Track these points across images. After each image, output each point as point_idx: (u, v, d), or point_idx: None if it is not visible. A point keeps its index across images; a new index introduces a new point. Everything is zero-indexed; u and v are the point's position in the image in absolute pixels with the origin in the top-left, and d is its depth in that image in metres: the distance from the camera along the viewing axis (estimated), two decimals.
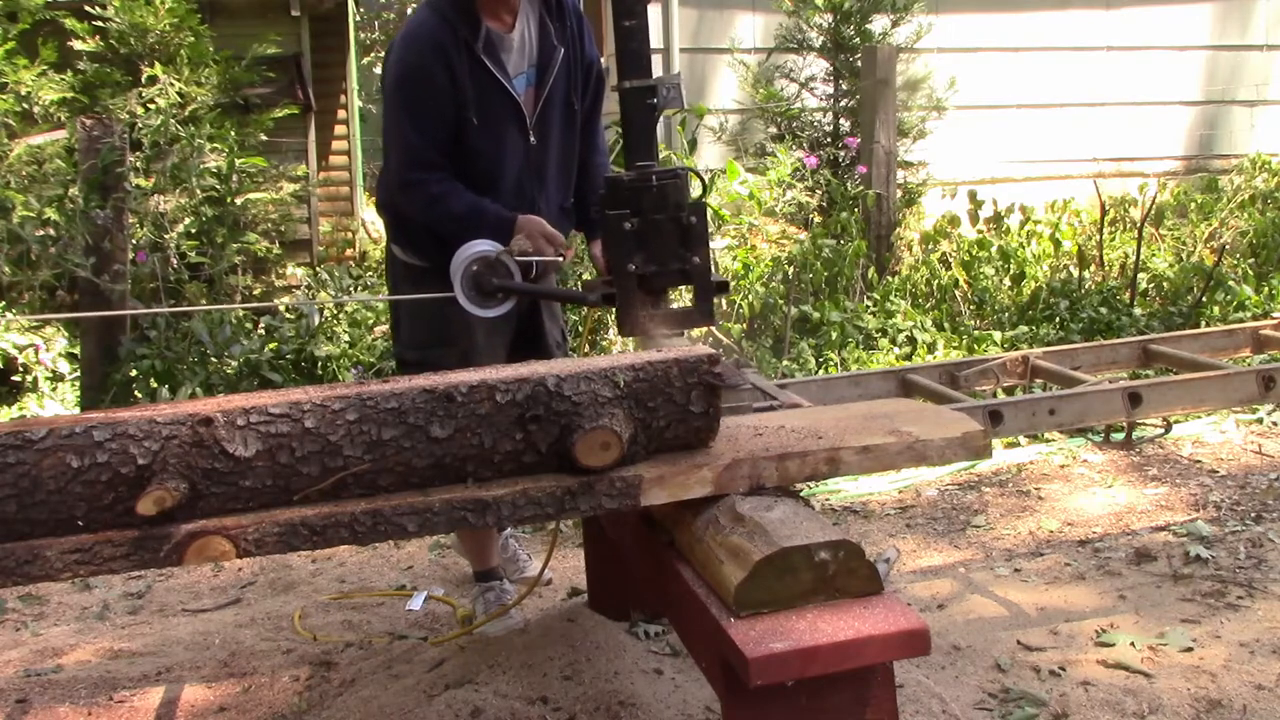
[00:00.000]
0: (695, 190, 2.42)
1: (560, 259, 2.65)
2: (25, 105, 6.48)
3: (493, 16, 2.65)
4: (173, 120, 5.92)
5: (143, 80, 6.64)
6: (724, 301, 5.55)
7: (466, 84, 2.60)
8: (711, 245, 5.47)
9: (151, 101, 6.44)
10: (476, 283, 2.49)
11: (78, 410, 5.14)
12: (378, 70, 12.29)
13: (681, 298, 2.73)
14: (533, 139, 2.72)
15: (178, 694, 2.67)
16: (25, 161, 6.18)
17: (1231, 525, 3.42)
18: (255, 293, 6.48)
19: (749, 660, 1.53)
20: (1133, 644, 2.67)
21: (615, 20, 2.24)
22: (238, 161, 6.18)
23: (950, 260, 6.05)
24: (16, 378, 5.49)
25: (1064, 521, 3.60)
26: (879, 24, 7.10)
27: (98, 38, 6.78)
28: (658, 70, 8.33)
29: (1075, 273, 5.88)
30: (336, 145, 8.77)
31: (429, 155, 2.64)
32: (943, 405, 2.65)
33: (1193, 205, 6.97)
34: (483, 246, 2.51)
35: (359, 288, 7.04)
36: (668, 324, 2.27)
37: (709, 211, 5.24)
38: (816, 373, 4.94)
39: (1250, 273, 6.03)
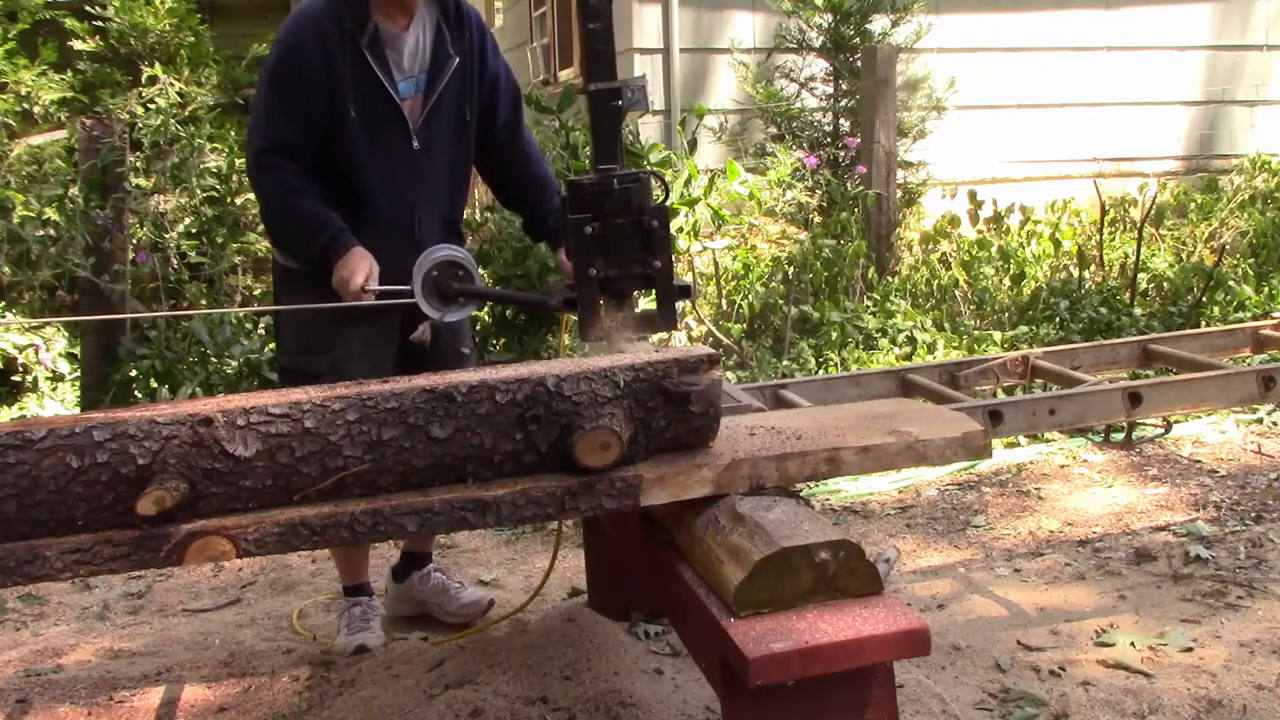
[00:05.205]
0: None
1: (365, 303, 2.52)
2: (25, 105, 6.47)
3: (385, 15, 2.57)
4: (173, 120, 5.90)
5: (143, 80, 6.64)
6: (724, 301, 5.55)
7: (346, 75, 2.52)
8: (713, 246, 5.49)
9: (151, 101, 6.44)
10: (437, 287, 2.49)
11: (78, 410, 5.14)
12: None
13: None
14: (416, 144, 2.63)
15: (178, 694, 2.67)
16: (25, 161, 6.17)
17: (1231, 525, 3.42)
18: (255, 293, 6.46)
19: (749, 660, 1.53)
20: (1133, 644, 2.67)
21: (580, 23, 2.24)
22: (238, 161, 6.16)
23: (950, 260, 6.04)
24: (16, 378, 5.48)
25: (1064, 521, 3.60)
26: (879, 24, 7.09)
27: (98, 38, 6.78)
28: (657, 71, 8.27)
29: (1075, 273, 5.87)
30: None
31: (293, 141, 2.55)
32: (943, 405, 2.65)
33: (1193, 205, 6.97)
34: (444, 252, 2.52)
35: None
36: (630, 328, 2.27)
37: (709, 212, 5.24)
38: (816, 373, 4.93)
39: (1250, 273, 6.02)
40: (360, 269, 2.50)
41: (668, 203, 2.40)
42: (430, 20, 2.64)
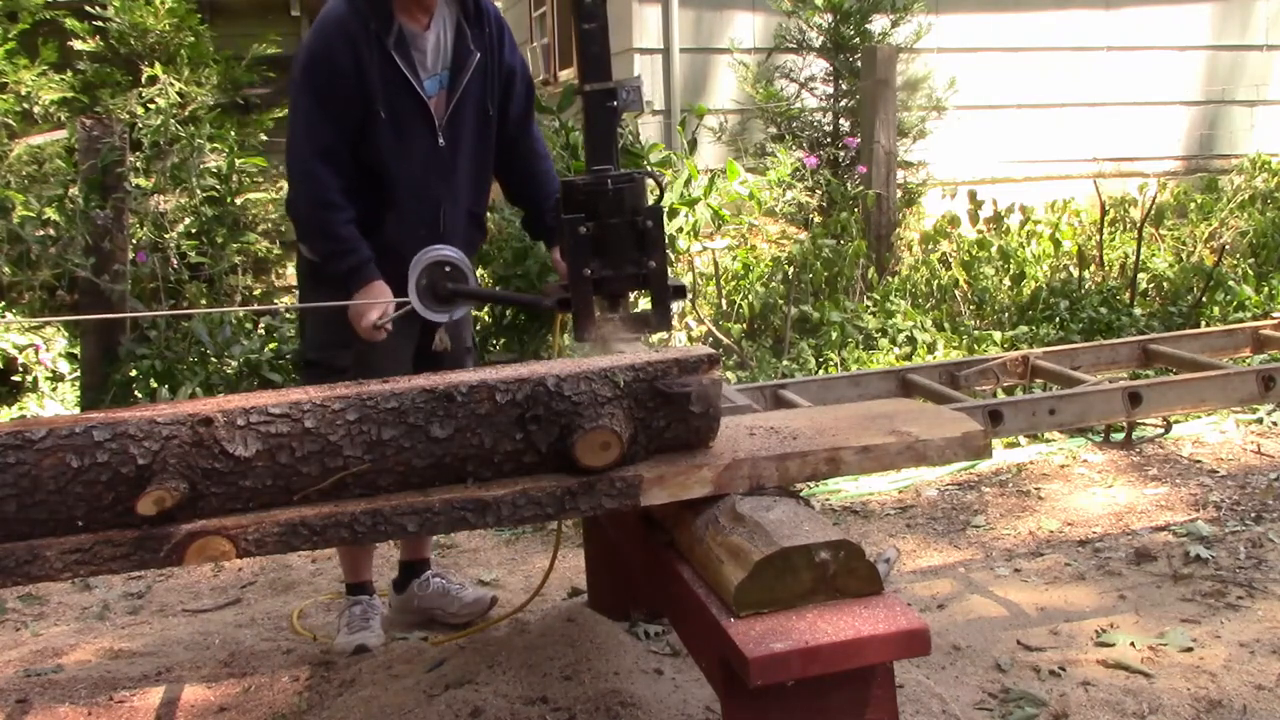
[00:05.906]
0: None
1: (376, 333, 2.57)
2: (25, 105, 6.48)
3: (407, 14, 2.60)
4: (173, 120, 5.91)
5: (143, 80, 6.64)
6: (724, 301, 5.55)
7: (374, 76, 2.56)
8: (713, 246, 5.49)
9: (151, 101, 6.44)
10: (432, 288, 2.50)
11: (78, 410, 5.14)
12: None
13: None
14: (441, 141, 2.66)
15: (178, 694, 2.67)
16: (25, 161, 6.17)
17: (1231, 525, 3.42)
18: (255, 293, 6.47)
19: (749, 660, 1.53)
20: (1133, 644, 2.67)
21: (575, 24, 2.24)
22: (238, 161, 6.17)
23: (950, 260, 6.05)
24: (16, 378, 5.48)
25: (1064, 521, 3.60)
26: (879, 24, 7.10)
27: (98, 38, 6.77)
28: (657, 71, 8.25)
29: (1075, 273, 5.88)
30: None
31: (334, 145, 2.59)
32: (943, 405, 2.65)
33: (1193, 205, 6.97)
34: (438, 252, 2.52)
35: None
36: (624, 329, 2.26)
37: (709, 212, 5.24)
38: (816, 373, 4.93)
39: (1250, 273, 6.02)
40: (375, 307, 2.55)
41: (662, 203, 2.40)
42: (450, 17, 2.67)
